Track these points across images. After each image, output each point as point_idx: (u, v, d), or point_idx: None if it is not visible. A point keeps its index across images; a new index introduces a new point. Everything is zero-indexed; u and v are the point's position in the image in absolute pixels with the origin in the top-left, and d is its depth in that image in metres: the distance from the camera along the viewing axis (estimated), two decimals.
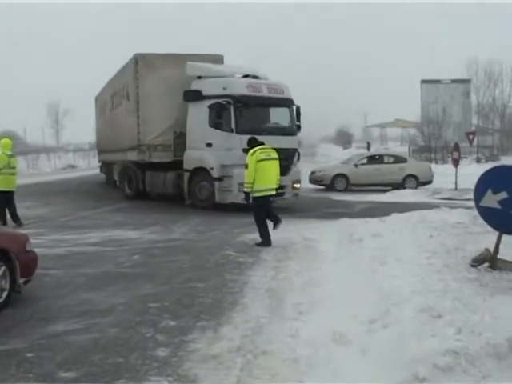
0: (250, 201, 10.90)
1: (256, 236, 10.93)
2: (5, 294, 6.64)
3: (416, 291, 6.19)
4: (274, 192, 10.98)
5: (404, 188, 22.38)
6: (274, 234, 10.92)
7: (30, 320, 6.28)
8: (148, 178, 18.64)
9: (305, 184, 24.61)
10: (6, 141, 13.53)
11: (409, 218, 11.74)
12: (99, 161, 28.67)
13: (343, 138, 79.20)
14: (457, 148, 24.46)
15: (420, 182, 23.32)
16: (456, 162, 23.41)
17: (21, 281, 6.84)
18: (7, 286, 6.67)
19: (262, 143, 10.96)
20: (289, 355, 5.19)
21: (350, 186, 23.22)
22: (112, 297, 7.21)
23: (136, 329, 5.97)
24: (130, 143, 18.18)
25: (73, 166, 46.07)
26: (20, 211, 13.50)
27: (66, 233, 12.24)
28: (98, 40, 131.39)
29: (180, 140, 17.14)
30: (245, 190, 10.91)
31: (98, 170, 30.03)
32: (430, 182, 23.63)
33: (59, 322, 6.18)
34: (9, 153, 13.32)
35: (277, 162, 10.95)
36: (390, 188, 22.47)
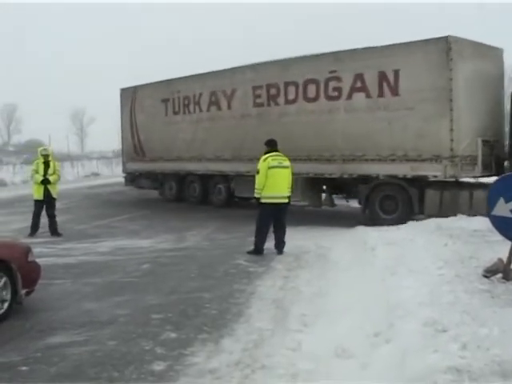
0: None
1: (269, 245, 10.78)
2: (6, 305, 6.58)
3: (423, 303, 5.98)
4: (284, 200, 10.80)
5: None
6: (288, 242, 10.80)
7: (29, 332, 6.22)
8: (431, 198, 13.47)
9: None
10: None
11: (425, 226, 11.51)
12: (143, 172, 22.25)
13: None
14: None
15: None
16: None
17: (22, 292, 6.78)
18: (8, 297, 6.61)
19: (276, 150, 10.84)
20: (288, 370, 5.04)
21: None
22: (115, 307, 7.12)
23: (136, 341, 5.86)
24: (431, 152, 13.10)
25: (96, 174, 46.31)
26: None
27: (79, 241, 12.22)
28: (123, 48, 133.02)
29: (490, 150, 13.56)
30: (255, 195, 10.85)
31: (120, 179, 26.96)
32: None
33: (58, 334, 6.11)
34: (43, 160, 13.42)
35: (288, 171, 10.82)
36: None
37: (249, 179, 14.93)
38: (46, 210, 13.19)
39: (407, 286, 6.90)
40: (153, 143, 21.14)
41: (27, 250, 7.07)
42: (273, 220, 10.77)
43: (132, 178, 23.05)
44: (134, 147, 22.10)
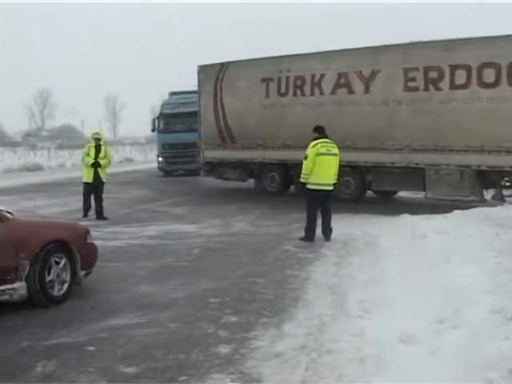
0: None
1: (316, 232, 10.75)
2: (65, 286, 6.67)
3: (486, 291, 5.89)
4: (329, 188, 10.76)
5: None
6: (335, 230, 10.74)
7: (90, 313, 6.29)
8: None
9: None
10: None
11: (472, 215, 11.32)
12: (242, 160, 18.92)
13: None
14: None
15: None
16: None
17: (81, 273, 6.86)
18: (68, 279, 6.71)
19: (325, 136, 10.77)
20: (355, 354, 4.99)
21: None
22: (172, 291, 7.17)
23: (197, 324, 5.89)
24: None
25: (130, 160, 46.63)
26: (79, 204, 13.68)
27: (124, 225, 12.33)
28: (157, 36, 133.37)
29: None
30: (301, 180, 10.82)
31: (154, 164, 28.92)
32: None
33: (120, 316, 6.17)
34: (94, 144, 13.71)
35: (337, 158, 10.76)
36: None
37: (393, 171, 14.84)
38: (94, 193, 13.34)
39: (464, 274, 6.79)
40: (247, 129, 18.08)
41: (86, 232, 7.14)
42: (319, 207, 10.73)
43: (211, 168, 20.03)
44: (219, 133, 18.88)
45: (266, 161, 18.01)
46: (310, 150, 10.58)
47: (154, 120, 27.72)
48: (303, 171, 10.68)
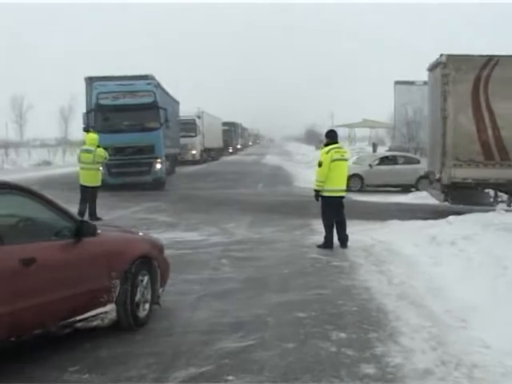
0: (319, 199, 10.65)
1: (321, 238, 10.66)
2: (147, 305, 6.15)
3: None
4: (344, 193, 10.73)
5: (417, 189, 21.99)
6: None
7: (188, 335, 5.81)
8: None
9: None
10: (88, 136, 14.38)
11: (473, 220, 11.42)
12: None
13: (313, 138, 79.33)
14: None
15: None
16: None
17: (160, 290, 6.38)
18: (149, 298, 6.19)
19: (336, 141, 10.67)
20: (506, 369, 4.91)
21: (364, 187, 22.91)
22: (247, 306, 6.81)
23: (312, 342, 5.61)
24: None
25: (48, 163, 44.65)
26: None
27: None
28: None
29: None
30: (315, 188, 10.65)
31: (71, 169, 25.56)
32: None
33: (223, 338, 5.71)
34: (83, 148, 13.98)
35: (347, 163, 10.80)
36: (400, 189, 22.37)
37: None
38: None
39: None
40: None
41: (163, 246, 6.65)
42: (333, 214, 10.61)
43: (457, 193, 15.24)
44: (484, 146, 14.58)
45: None
46: (324, 157, 10.43)
47: (86, 115, 20.96)
48: (318, 178, 10.54)
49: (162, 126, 21.58)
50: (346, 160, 10.73)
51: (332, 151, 10.46)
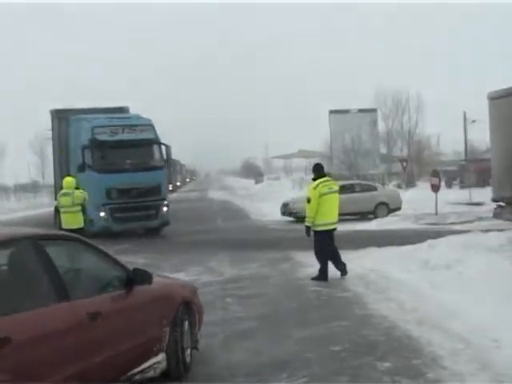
0: (311, 235, 10.74)
1: (311, 271, 10.81)
2: (188, 351, 6.06)
3: None
4: (336, 226, 10.90)
5: (375, 216, 22.52)
6: (331, 265, 10.74)
7: (236, 378, 5.76)
8: None
9: (277, 217, 24.60)
10: (65, 179, 14.04)
11: (457, 243, 11.63)
12: None
13: (251, 171, 79.40)
14: (436, 174, 24.09)
15: (391, 209, 23.52)
16: (436, 188, 22.98)
17: (198, 335, 6.33)
18: (189, 343, 6.12)
19: (324, 175, 10.84)
20: None
21: None
22: (277, 344, 6.81)
23: (364, 374, 5.68)
24: None
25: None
26: None
27: None
28: None
29: None
30: (306, 224, 10.73)
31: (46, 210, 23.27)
32: (399, 209, 23.72)
33: (272, 379, 5.68)
34: (62, 191, 13.76)
35: (337, 195, 10.89)
36: (358, 217, 22.80)
37: None
38: None
39: None
40: None
41: (196, 289, 6.62)
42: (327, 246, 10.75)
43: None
44: None
45: None
46: (313, 193, 10.53)
47: (81, 152, 17.84)
48: (308, 215, 10.63)
49: (166, 164, 19.60)
50: (335, 192, 10.82)
51: (320, 186, 10.58)
